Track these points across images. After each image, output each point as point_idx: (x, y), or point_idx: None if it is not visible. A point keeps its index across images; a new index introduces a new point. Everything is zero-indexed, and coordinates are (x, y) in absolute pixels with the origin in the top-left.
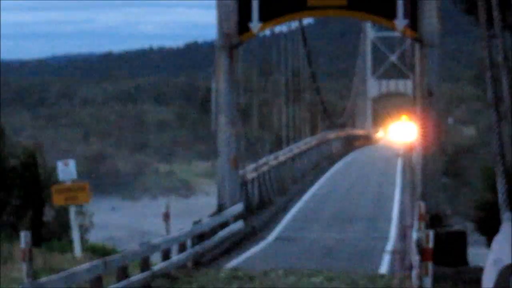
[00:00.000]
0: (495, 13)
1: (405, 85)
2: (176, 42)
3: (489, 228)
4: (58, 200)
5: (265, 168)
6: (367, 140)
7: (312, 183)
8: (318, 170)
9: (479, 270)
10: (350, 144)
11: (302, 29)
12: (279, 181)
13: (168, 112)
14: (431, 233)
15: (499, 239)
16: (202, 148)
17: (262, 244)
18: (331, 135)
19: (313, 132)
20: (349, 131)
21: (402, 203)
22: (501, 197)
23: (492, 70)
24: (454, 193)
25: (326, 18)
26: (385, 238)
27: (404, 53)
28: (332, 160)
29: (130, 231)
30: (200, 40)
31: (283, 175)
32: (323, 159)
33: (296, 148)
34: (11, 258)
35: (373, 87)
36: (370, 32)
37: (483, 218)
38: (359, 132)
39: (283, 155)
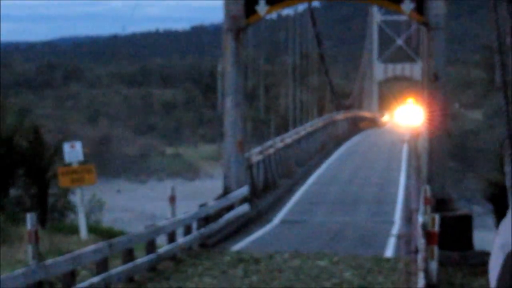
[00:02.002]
0: None
1: (411, 69)
2: (183, 24)
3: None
4: (64, 181)
5: (270, 151)
6: (373, 122)
7: (317, 165)
8: (324, 152)
9: (484, 254)
10: (356, 125)
11: (311, 10)
12: (284, 163)
13: (175, 94)
14: (437, 217)
15: (506, 223)
16: (208, 131)
17: (267, 227)
18: (338, 116)
19: (320, 113)
20: (356, 112)
21: (407, 187)
22: (509, 180)
23: (501, 53)
24: (460, 177)
25: (332, 2)
26: (390, 222)
27: (410, 37)
28: (337, 141)
29: (136, 213)
30: (206, 22)
31: (288, 157)
32: (329, 141)
33: (302, 130)
34: (19, 239)
35: (380, 70)
36: (377, 15)
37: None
38: (366, 114)
39: (289, 137)
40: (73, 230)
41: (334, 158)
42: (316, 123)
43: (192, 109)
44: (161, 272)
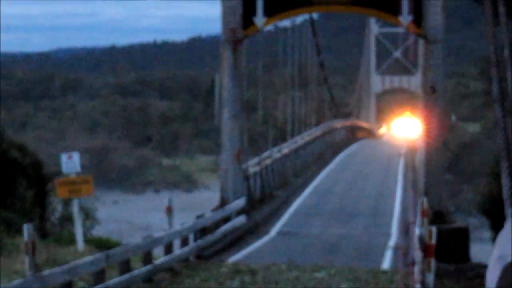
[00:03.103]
0: (501, 8)
1: (408, 81)
2: (180, 36)
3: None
4: (62, 193)
5: (268, 162)
6: (370, 133)
7: (314, 176)
8: (322, 161)
9: (481, 267)
10: (354, 134)
11: (312, 19)
12: (281, 174)
13: (172, 106)
14: (434, 229)
15: (504, 235)
16: (205, 143)
17: (264, 239)
18: (336, 124)
19: (319, 122)
20: (354, 121)
21: (403, 199)
22: (506, 192)
23: (498, 66)
24: (457, 190)
25: (330, 13)
26: (387, 234)
27: (408, 49)
28: (335, 150)
29: (133, 224)
30: (204, 34)
31: (285, 168)
32: (326, 149)
33: (300, 139)
34: (16, 250)
35: (377, 82)
36: (374, 27)
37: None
38: (363, 123)
39: (287, 147)
40: (70, 241)
41: (331, 168)
42: (314, 132)
43: (189, 121)
44: (158, 284)
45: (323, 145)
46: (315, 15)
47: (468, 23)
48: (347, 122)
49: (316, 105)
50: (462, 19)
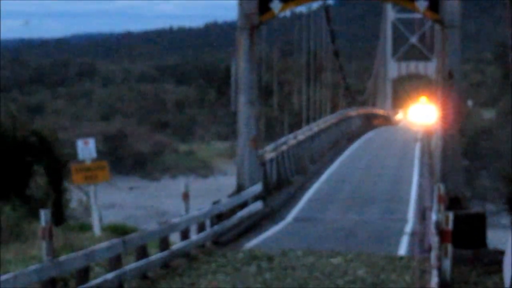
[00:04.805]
0: None
1: (425, 67)
2: (196, 22)
3: None
4: (77, 179)
5: (284, 148)
6: (386, 120)
7: (330, 162)
8: (337, 148)
9: (498, 253)
10: (370, 122)
11: (326, 7)
12: (297, 160)
13: (188, 92)
14: (450, 215)
15: None
16: (221, 128)
17: (280, 225)
18: (352, 112)
19: (334, 109)
20: (369, 109)
21: (420, 185)
22: None
23: None
24: (473, 176)
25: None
26: (403, 220)
27: (424, 35)
28: (350, 138)
29: (149, 210)
30: (220, 20)
31: (301, 154)
32: (342, 137)
33: (315, 126)
34: (33, 235)
35: (393, 68)
36: (391, 13)
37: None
38: (379, 111)
39: (302, 134)
40: (87, 227)
41: (347, 155)
42: (330, 119)
43: (205, 106)
44: (174, 269)
45: (338, 133)
46: (331, 1)
47: (484, 8)
48: (363, 110)
49: (331, 93)
50: (478, 5)
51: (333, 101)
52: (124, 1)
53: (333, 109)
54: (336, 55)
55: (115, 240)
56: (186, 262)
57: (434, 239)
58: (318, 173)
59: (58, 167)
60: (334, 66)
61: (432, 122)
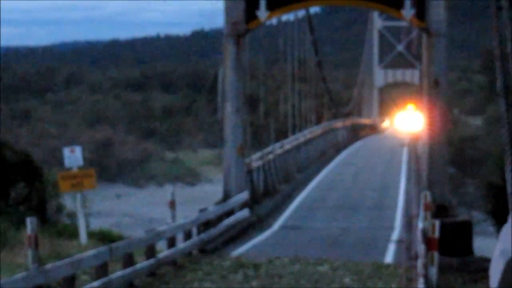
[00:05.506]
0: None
1: (411, 75)
2: (183, 29)
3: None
4: (64, 187)
5: (270, 157)
6: (373, 129)
7: (317, 171)
8: (324, 158)
9: (485, 260)
10: (356, 133)
11: (309, 17)
12: (284, 169)
13: (175, 99)
14: (437, 223)
15: (507, 229)
16: (208, 136)
17: (267, 233)
18: (337, 124)
19: (319, 121)
20: (355, 120)
21: (407, 192)
22: (510, 187)
23: (502, 60)
24: (460, 183)
25: (333, 7)
26: (390, 228)
27: (411, 43)
28: (337, 149)
29: (136, 218)
30: (206, 27)
31: (288, 163)
32: (329, 148)
33: (301, 136)
34: (18, 244)
35: (380, 76)
36: (377, 21)
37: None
38: (365, 121)
39: (288, 143)
40: (73, 234)
41: (334, 164)
42: (315, 130)
43: (192, 114)
44: (161, 277)
45: (325, 144)
46: (317, 9)
47: (471, 17)
48: (348, 121)
49: (315, 104)
50: (465, 13)
51: (317, 112)
52: (111, 9)
53: (318, 120)
54: (319, 66)
55: (102, 248)
56: (172, 270)
57: (420, 247)
58: (305, 182)
59: (39, 173)
60: (318, 77)
61: (419, 129)
